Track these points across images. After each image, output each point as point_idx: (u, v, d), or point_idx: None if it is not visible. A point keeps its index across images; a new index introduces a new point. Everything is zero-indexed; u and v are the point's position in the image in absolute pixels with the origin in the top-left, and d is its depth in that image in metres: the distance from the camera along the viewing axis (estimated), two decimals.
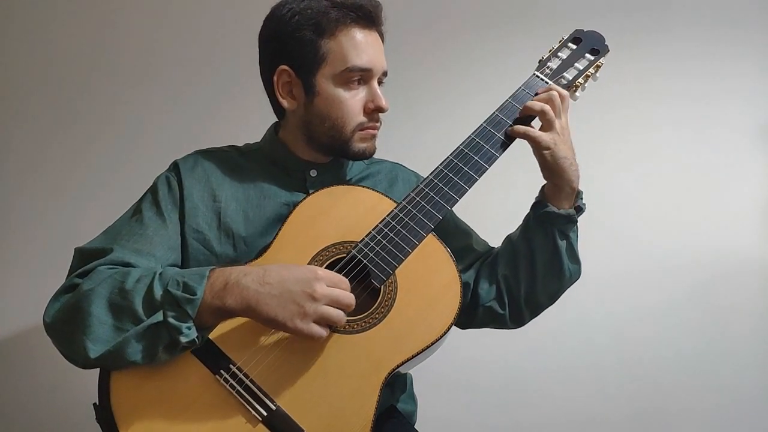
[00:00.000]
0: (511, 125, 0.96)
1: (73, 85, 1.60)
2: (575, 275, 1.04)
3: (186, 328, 0.78)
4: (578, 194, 1.01)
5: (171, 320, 0.77)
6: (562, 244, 1.00)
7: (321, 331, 0.79)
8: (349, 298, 0.81)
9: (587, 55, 1.03)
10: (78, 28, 1.61)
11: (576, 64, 1.02)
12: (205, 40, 1.63)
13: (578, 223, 1.02)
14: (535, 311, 1.06)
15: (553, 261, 1.01)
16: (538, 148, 0.95)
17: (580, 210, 1.01)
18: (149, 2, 1.63)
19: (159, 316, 0.78)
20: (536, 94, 0.98)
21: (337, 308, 0.80)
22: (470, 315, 1.05)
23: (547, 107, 0.94)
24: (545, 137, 0.93)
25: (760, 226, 1.61)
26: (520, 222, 1.06)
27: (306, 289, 0.79)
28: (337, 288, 0.81)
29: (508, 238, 1.07)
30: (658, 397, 1.56)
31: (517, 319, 1.07)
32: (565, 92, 0.97)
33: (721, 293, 1.59)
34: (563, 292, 1.05)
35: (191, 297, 0.78)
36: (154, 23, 1.63)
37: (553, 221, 0.99)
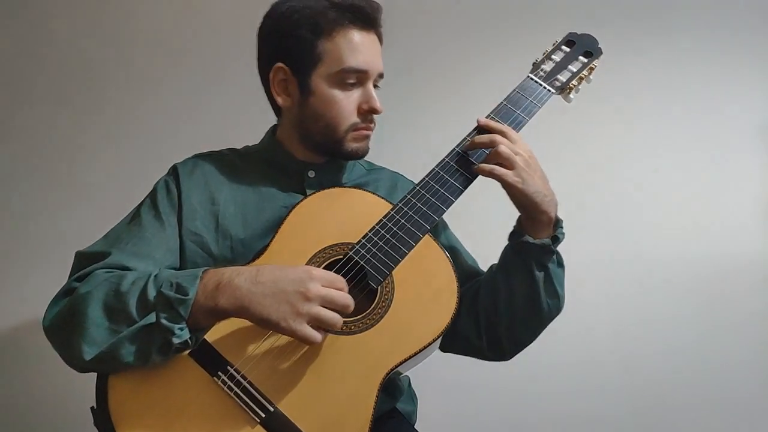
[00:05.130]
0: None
1: (74, 89, 1.60)
2: (554, 310, 0.99)
3: (178, 329, 0.77)
4: (557, 222, 0.97)
5: (164, 321, 0.77)
6: (540, 275, 0.96)
7: (314, 334, 0.77)
8: (345, 298, 0.80)
9: (581, 58, 1.04)
10: (78, 31, 1.62)
11: (570, 67, 1.04)
12: (206, 42, 1.63)
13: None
14: (516, 347, 1.03)
15: (531, 294, 0.96)
16: (505, 186, 0.92)
17: (556, 240, 0.96)
18: (149, 6, 1.64)
19: (152, 318, 0.78)
20: (476, 129, 0.95)
21: (332, 310, 0.79)
22: (448, 341, 0.99)
23: (502, 147, 0.90)
24: (510, 176, 0.89)
25: (761, 227, 1.62)
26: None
27: (299, 289, 0.78)
28: (333, 288, 0.80)
29: (490, 268, 1.04)
30: (658, 399, 1.56)
31: (496, 353, 1.03)
32: (511, 133, 0.92)
33: (722, 293, 1.58)
34: (543, 328, 1.01)
35: (183, 297, 0.78)
36: (154, 27, 1.64)
37: (529, 252, 0.95)
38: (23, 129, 1.58)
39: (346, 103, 0.97)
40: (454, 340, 1.00)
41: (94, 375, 0.82)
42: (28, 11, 1.61)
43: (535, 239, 0.94)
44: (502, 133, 0.92)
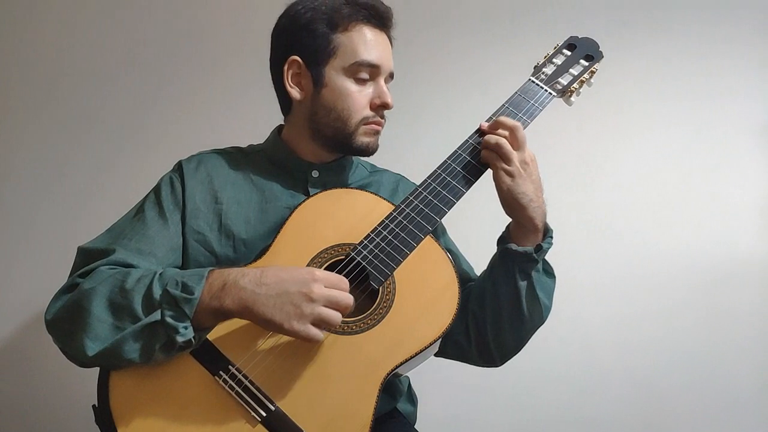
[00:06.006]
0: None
1: (78, 83, 1.60)
2: (537, 319, 0.99)
3: (183, 328, 0.78)
4: (546, 232, 0.97)
5: (168, 319, 0.78)
6: (523, 284, 0.95)
7: (318, 334, 0.78)
8: (348, 298, 0.80)
9: (582, 61, 1.05)
10: (85, 27, 1.62)
11: (571, 70, 1.04)
12: (213, 40, 1.64)
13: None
14: (503, 354, 1.02)
15: (515, 301, 0.96)
16: (495, 179, 0.93)
17: (540, 249, 0.95)
18: (157, 3, 1.65)
19: (157, 315, 0.78)
20: (478, 131, 0.96)
21: (335, 309, 0.80)
22: (441, 344, 0.97)
23: (503, 141, 0.91)
24: (503, 168, 0.91)
25: (761, 226, 1.62)
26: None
27: (303, 290, 0.78)
28: (336, 289, 0.80)
29: (481, 274, 1.05)
30: (658, 399, 1.56)
31: (486, 358, 1.02)
32: (516, 125, 0.93)
33: (722, 293, 1.58)
34: (528, 337, 1.01)
35: (189, 297, 0.78)
36: (162, 24, 1.64)
37: (512, 259, 0.95)
38: (23, 128, 1.58)
39: (359, 96, 0.99)
40: (445, 344, 1.00)
41: (94, 373, 0.82)
42: (31, 10, 1.62)
43: (519, 246, 0.95)
44: (513, 129, 0.92)
